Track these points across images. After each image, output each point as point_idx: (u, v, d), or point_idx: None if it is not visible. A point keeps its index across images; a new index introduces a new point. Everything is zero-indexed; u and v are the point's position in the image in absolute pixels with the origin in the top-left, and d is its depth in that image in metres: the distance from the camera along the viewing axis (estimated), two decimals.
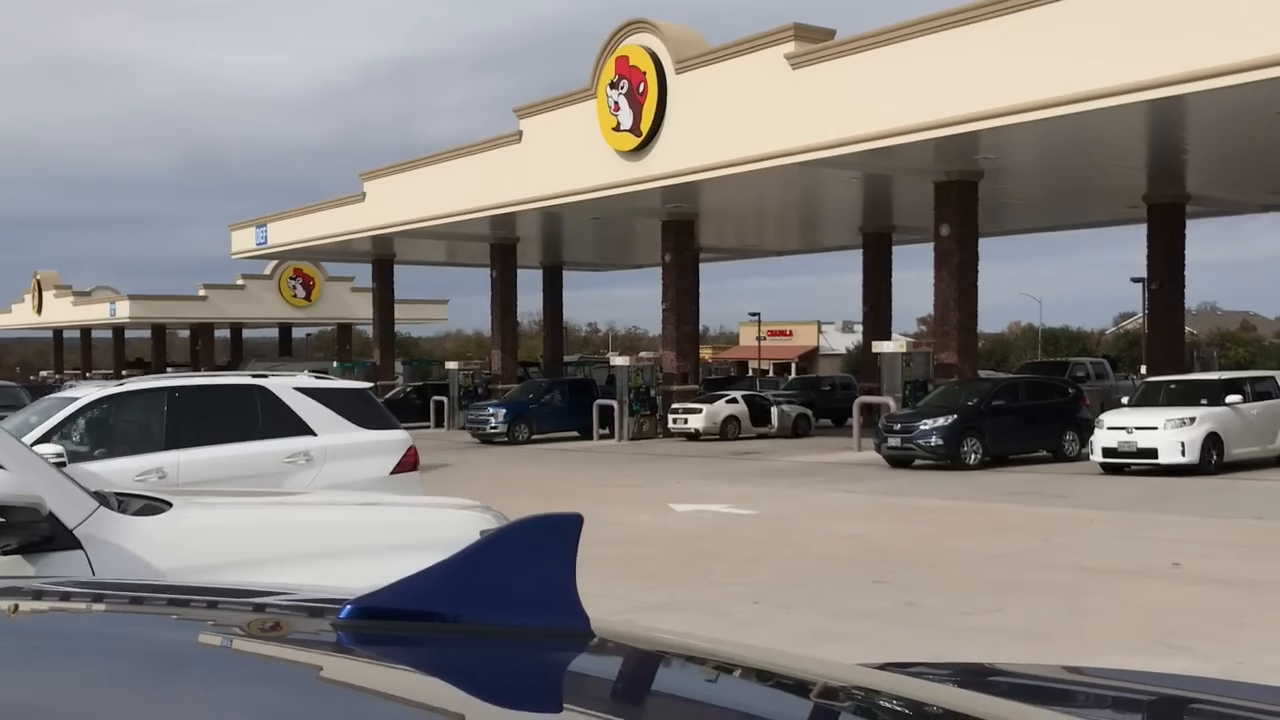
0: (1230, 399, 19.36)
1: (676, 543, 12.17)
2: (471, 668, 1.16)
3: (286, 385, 9.24)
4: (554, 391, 31.64)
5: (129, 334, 70.98)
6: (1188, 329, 33.69)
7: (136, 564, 3.59)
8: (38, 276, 70.62)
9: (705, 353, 57.60)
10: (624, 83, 26.91)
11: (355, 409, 9.41)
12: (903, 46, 20.91)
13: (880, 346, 26.75)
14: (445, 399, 35.43)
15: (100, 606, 1.57)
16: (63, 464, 5.89)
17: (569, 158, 28.58)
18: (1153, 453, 18.65)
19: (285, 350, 65.56)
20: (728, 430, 28.79)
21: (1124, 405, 20.80)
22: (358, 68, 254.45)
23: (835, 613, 8.47)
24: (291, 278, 60.32)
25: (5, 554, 3.46)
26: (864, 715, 1.22)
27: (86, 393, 9.13)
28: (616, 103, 27.08)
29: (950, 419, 20.76)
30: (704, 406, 29.13)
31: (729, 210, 31.65)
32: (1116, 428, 19.19)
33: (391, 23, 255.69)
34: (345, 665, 1.17)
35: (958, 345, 24.05)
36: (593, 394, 31.15)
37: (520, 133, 30.89)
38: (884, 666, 1.60)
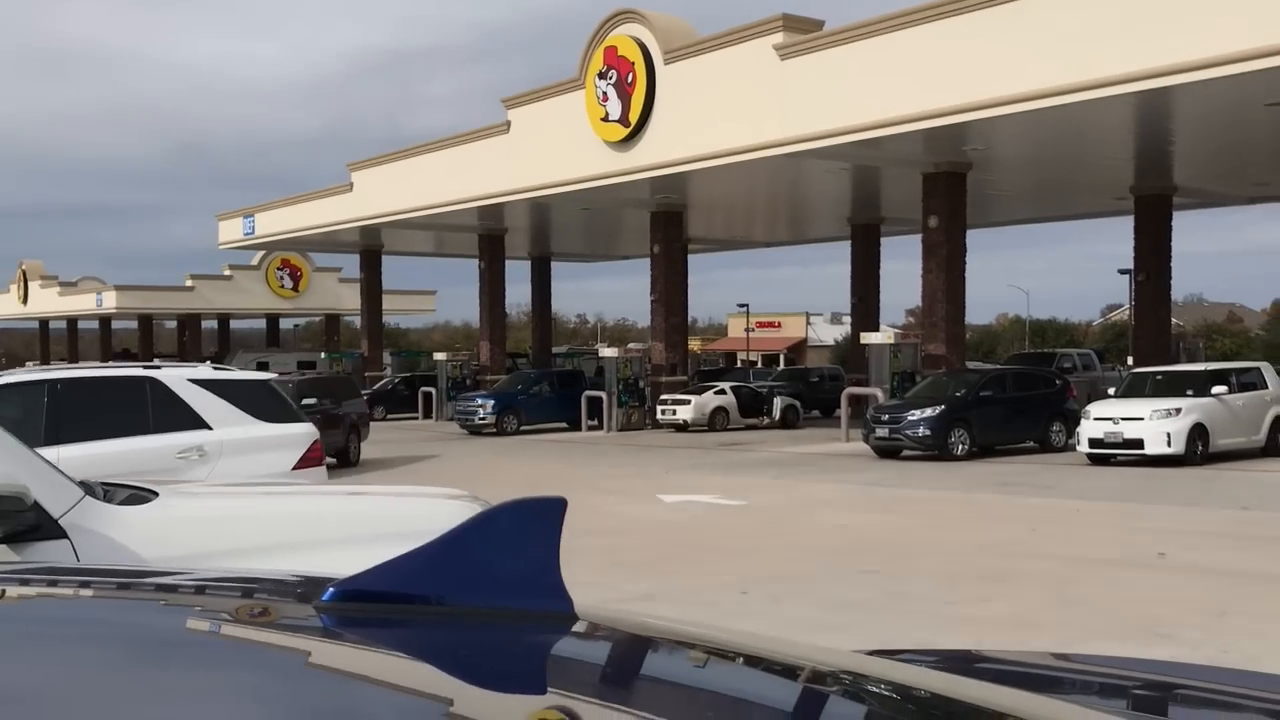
0: (1216, 390, 19.45)
1: (664, 533, 12.18)
2: (455, 650, 1.15)
3: (181, 377, 8.96)
4: (542, 383, 31.62)
5: (115, 325, 70.72)
6: (1174, 320, 33.84)
7: (122, 554, 3.57)
8: (23, 266, 70.25)
9: (694, 344, 57.66)
10: (612, 73, 26.86)
11: (257, 402, 9.14)
12: (891, 38, 20.91)
13: (868, 338, 26.81)
14: (433, 390, 35.39)
15: (85, 592, 1.56)
16: None
17: (557, 148, 28.53)
18: (1139, 443, 18.73)
19: (273, 341, 65.38)
20: (716, 421, 28.83)
21: (1110, 396, 20.89)
22: (346, 58, 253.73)
23: (824, 602, 8.49)
24: (279, 268, 60.14)
25: None
26: (852, 699, 1.22)
27: None
28: (605, 93, 27.03)
29: (938, 410, 20.83)
30: (692, 398, 29.15)
31: (717, 201, 31.64)
32: (1103, 418, 19.27)
33: (380, 13, 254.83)
34: (328, 648, 1.17)
35: (945, 336, 24.11)
36: (581, 385, 31.15)
37: (508, 123, 30.81)
38: (872, 654, 1.60)
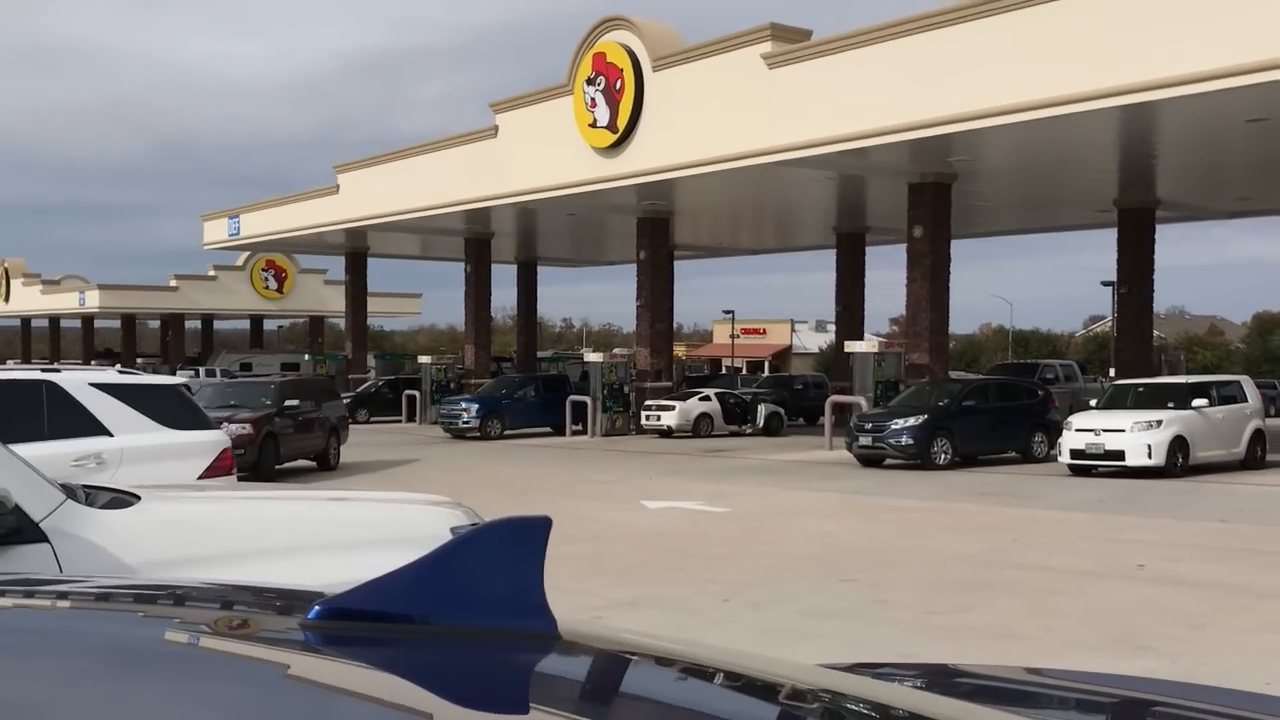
0: (1196, 403, 19.57)
1: (647, 540, 12.19)
2: (439, 669, 1.17)
3: (81, 381, 8.64)
4: (527, 387, 31.60)
5: (98, 324, 70.36)
6: (1156, 333, 34.04)
7: (104, 558, 3.56)
8: (5, 264, 69.82)
9: (679, 350, 57.70)
10: (601, 79, 26.89)
11: (163, 407, 8.84)
12: (879, 48, 21.00)
13: (853, 346, 26.88)
14: (418, 393, 35.32)
15: (65, 604, 1.56)
16: None
17: (545, 153, 28.54)
18: (1120, 455, 18.83)
19: (257, 342, 65.16)
20: (700, 427, 28.86)
21: (1092, 408, 21.00)
22: (335, 59, 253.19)
23: (805, 611, 8.51)
24: (264, 269, 59.95)
25: None
26: (830, 719, 1.24)
27: None
28: (593, 99, 27.06)
29: (921, 419, 20.90)
30: (677, 404, 29.18)
31: (704, 208, 31.70)
32: (1085, 430, 19.37)
33: (369, 14, 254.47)
34: (313, 666, 1.18)
35: (929, 346, 24.20)
36: (566, 390, 31.14)
37: (496, 127, 30.81)
38: (853, 667, 1.62)
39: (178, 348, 62.32)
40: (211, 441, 8.98)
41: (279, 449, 18.74)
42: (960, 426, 21.27)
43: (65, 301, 64.26)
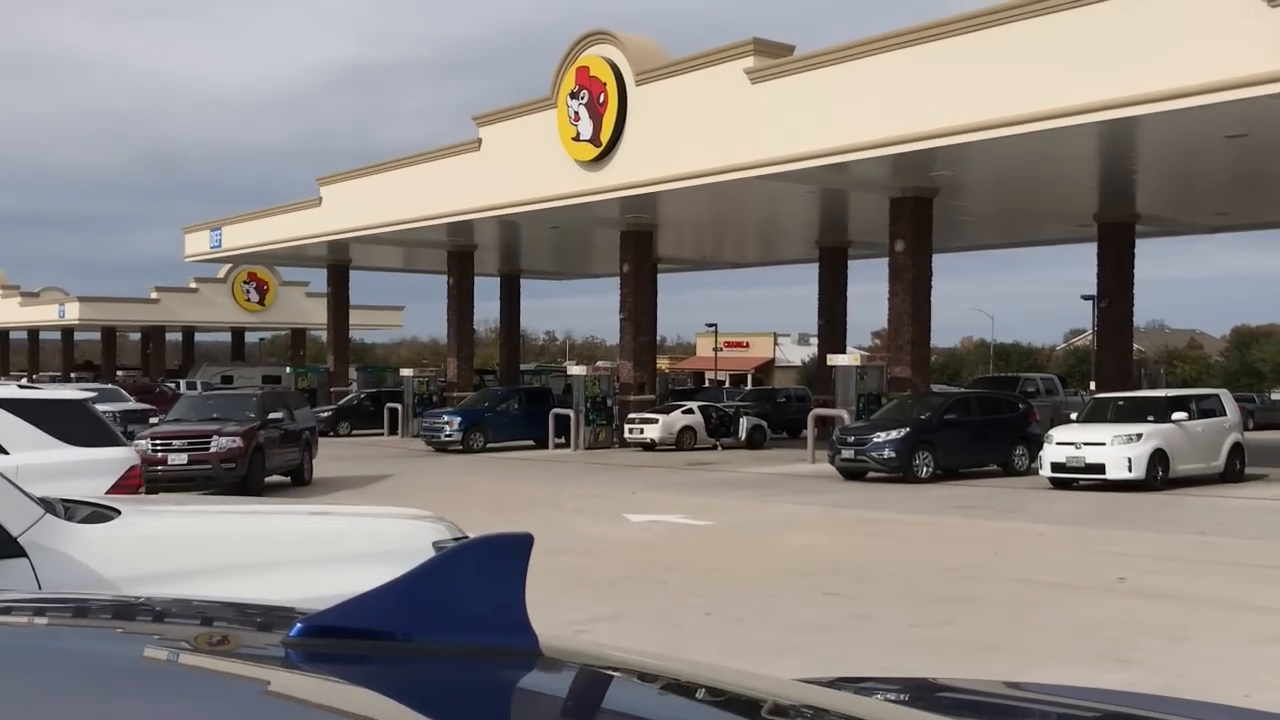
0: (1176, 416, 19.69)
1: (630, 553, 12.17)
2: (420, 687, 1.16)
3: None
4: (510, 400, 31.54)
5: (78, 336, 69.86)
6: (1136, 346, 34.21)
7: (83, 572, 3.54)
8: None
9: (662, 363, 57.69)
10: (584, 93, 26.94)
11: (66, 424, 8.54)
12: (860, 64, 21.12)
13: (835, 359, 26.96)
14: (400, 406, 35.20)
15: (43, 620, 1.55)
16: None
17: (528, 166, 28.56)
18: (1100, 468, 18.92)
19: (238, 355, 64.87)
20: (683, 440, 28.86)
21: (1073, 421, 21.10)
22: (317, 70, 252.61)
23: (787, 625, 8.51)
24: (245, 281, 59.73)
25: None
26: None
27: None
28: (576, 113, 27.11)
29: (903, 432, 20.95)
30: (660, 417, 29.16)
31: (687, 221, 31.76)
32: (1065, 443, 19.45)
33: (352, 26, 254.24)
34: (295, 683, 1.17)
35: (911, 359, 24.29)
36: (549, 403, 31.09)
37: (479, 140, 30.82)
38: (834, 681, 1.62)
39: (158, 360, 61.97)
40: (118, 459, 8.64)
41: (265, 462, 18.60)
42: (942, 440, 21.33)
43: (44, 313, 63.83)
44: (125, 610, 1.67)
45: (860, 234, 31.32)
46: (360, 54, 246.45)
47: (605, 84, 26.48)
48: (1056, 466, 19.43)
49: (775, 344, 77.48)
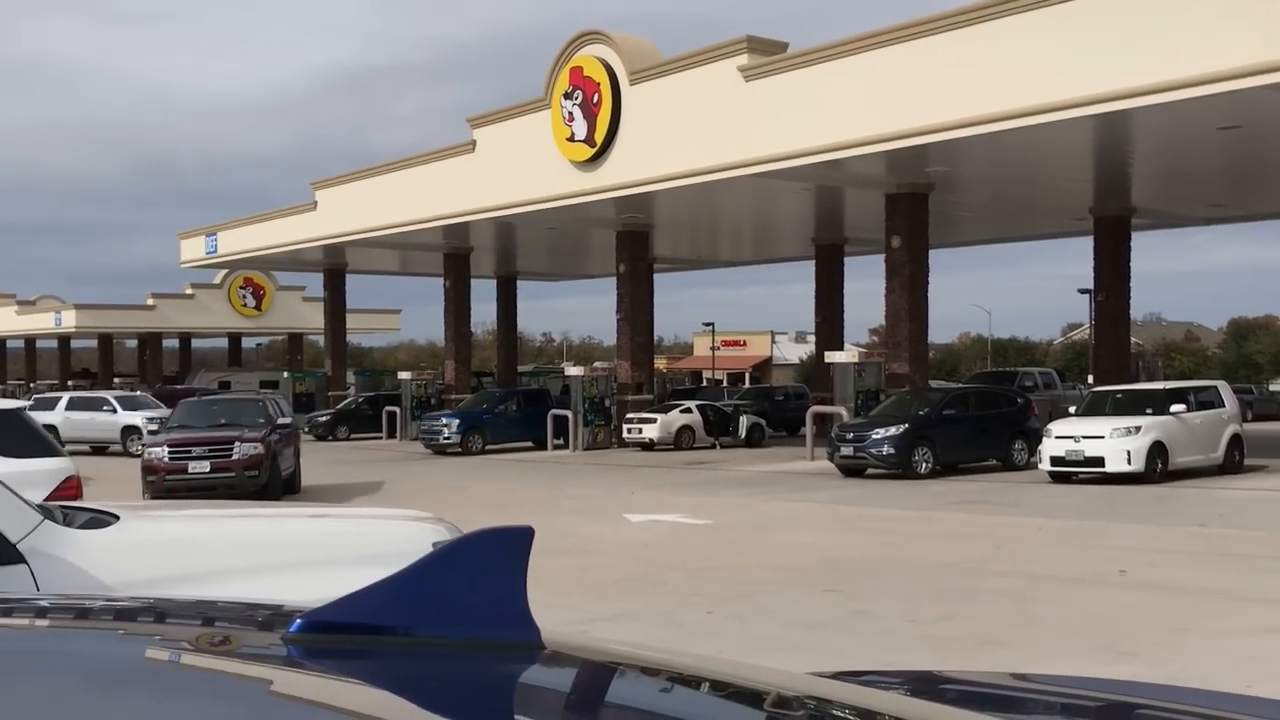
0: (1174, 408, 19.70)
1: (631, 553, 12.17)
2: (422, 681, 1.16)
3: None
4: (508, 402, 31.53)
5: (75, 344, 69.81)
6: (1133, 339, 34.27)
7: (82, 578, 3.53)
8: None
9: (660, 363, 57.70)
10: (578, 93, 26.94)
11: None
12: (854, 60, 21.12)
13: (833, 356, 26.95)
14: (398, 409, 35.20)
15: (44, 622, 1.55)
16: None
17: (523, 168, 28.54)
18: (1099, 461, 18.93)
19: (235, 360, 64.82)
20: (682, 440, 28.85)
21: (1071, 415, 21.11)
22: (312, 75, 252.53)
23: (788, 622, 8.51)
24: (241, 287, 59.69)
25: None
26: None
27: None
28: (571, 113, 27.09)
29: (902, 428, 20.95)
30: (658, 416, 29.16)
31: (683, 221, 31.76)
32: (1064, 437, 19.46)
33: (346, 30, 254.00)
34: (296, 680, 1.17)
35: (909, 355, 24.29)
36: (547, 404, 31.09)
37: (474, 142, 30.80)
38: (836, 675, 1.62)
39: (155, 367, 61.93)
40: (53, 470, 8.36)
41: (280, 469, 18.11)
42: (941, 435, 21.33)
43: (41, 322, 63.76)
44: (124, 610, 1.66)
45: (856, 230, 31.32)
46: (354, 59, 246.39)
47: (599, 84, 26.48)
48: (1056, 460, 19.43)
49: (773, 342, 77.52)
